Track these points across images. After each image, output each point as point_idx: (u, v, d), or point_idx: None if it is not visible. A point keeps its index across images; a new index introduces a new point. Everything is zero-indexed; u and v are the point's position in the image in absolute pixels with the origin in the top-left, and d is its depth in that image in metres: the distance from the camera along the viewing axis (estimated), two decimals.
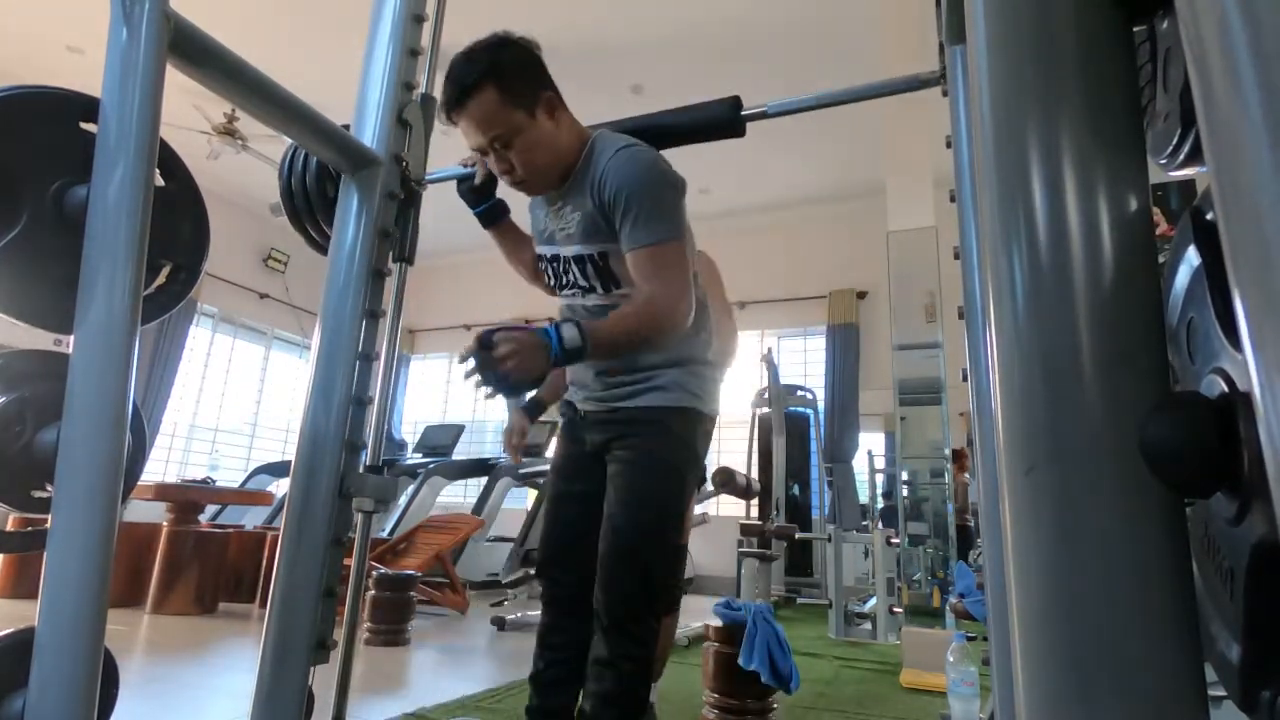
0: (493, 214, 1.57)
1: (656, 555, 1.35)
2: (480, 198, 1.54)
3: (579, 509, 1.44)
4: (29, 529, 0.81)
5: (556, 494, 1.55)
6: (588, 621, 1.37)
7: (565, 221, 1.38)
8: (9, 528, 1.49)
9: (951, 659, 2.01)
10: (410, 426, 8.63)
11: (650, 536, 1.34)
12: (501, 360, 1.16)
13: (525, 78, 1.29)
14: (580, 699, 1.38)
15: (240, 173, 6.76)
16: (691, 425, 1.42)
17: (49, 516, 0.74)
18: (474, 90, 1.25)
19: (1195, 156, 0.47)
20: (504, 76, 1.26)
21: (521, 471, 6.08)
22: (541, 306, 8.41)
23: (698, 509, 4.32)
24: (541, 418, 1.99)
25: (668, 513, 1.37)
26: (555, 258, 1.44)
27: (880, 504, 5.57)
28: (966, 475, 5.28)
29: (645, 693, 1.41)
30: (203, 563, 3.77)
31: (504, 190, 1.49)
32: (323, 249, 1.28)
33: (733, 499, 5.08)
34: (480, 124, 1.27)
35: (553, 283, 1.49)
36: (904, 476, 4.73)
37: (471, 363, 1.18)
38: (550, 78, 1.35)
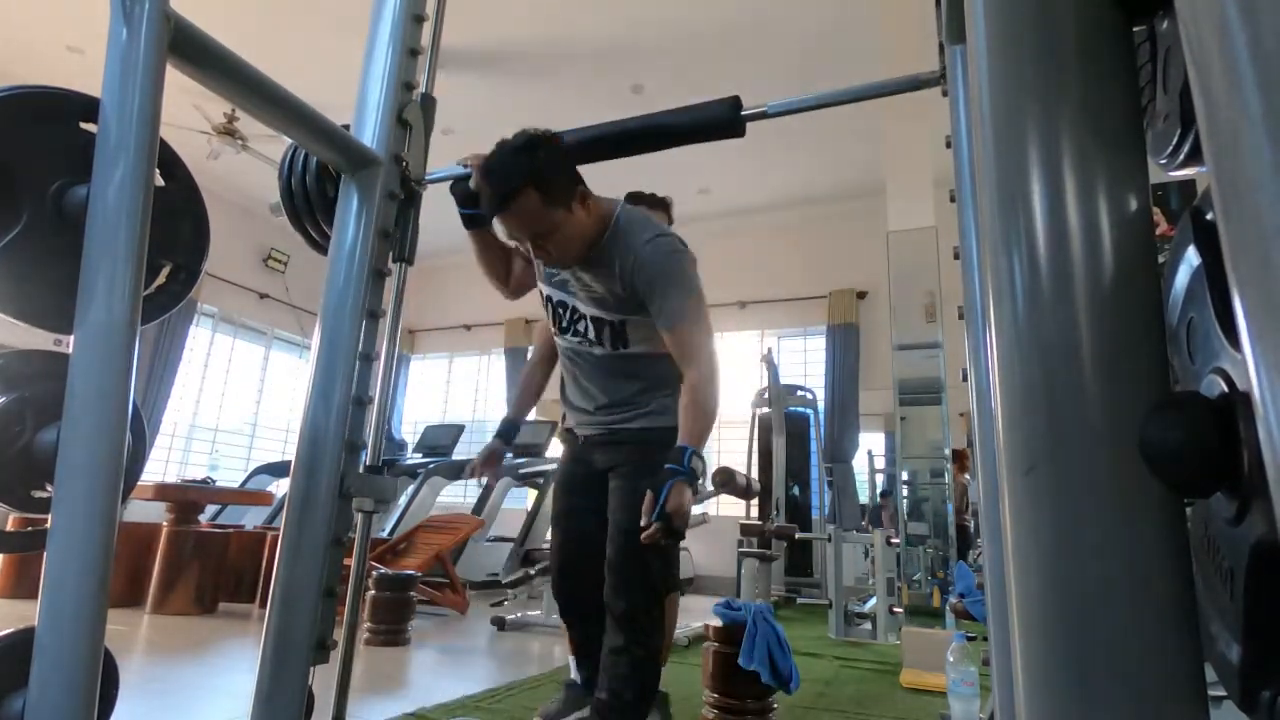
0: (479, 219, 1.62)
1: (655, 555, 1.52)
2: (471, 201, 1.57)
3: (593, 519, 1.62)
4: (29, 529, 0.81)
5: (568, 508, 1.71)
6: (601, 623, 1.57)
7: (586, 284, 1.56)
8: (9, 528, 1.49)
9: (951, 659, 2.01)
10: (410, 426, 8.63)
11: (635, 561, 1.52)
12: (677, 519, 1.37)
13: (561, 179, 1.42)
14: (596, 689, 1.54)
15: (240, 173, 6.76)
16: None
17: (49, 516, 0.74)
18: (516, 195, 1.38)
19: (1195, 156, 0.47)
20: (542, 179, 1.38)
21: (521, 472, 6.08)
22: (538, 307, 8.40)
23: (698, 509, 4.32)
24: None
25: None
26: (564, 305, 1.62)
27: (877, 502, 5.57)
28: (966, 475, 5.28)
29: (656, 678, 1.56)
30: (203, 563, 3.77)
31: None
32: (323, 249, 1.28)
33: (733, 499, 5.08)
34: (522, 224, 1.41)
35: (558, 324, 1.66)
36: (904, 476, 4.73)
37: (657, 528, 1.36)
38: (576, 170, 1.47)
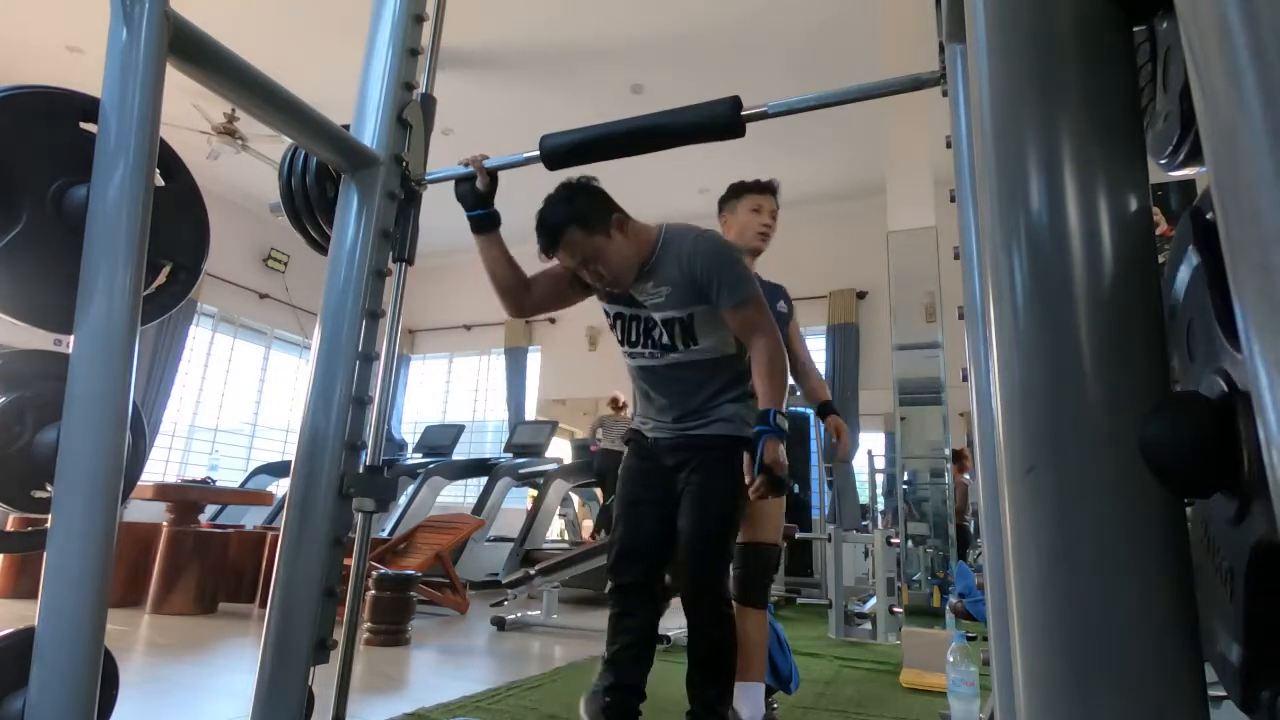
0: (487, 222, 1.68)
1: (716, 554, 1.72)
2: (478, 202, 1.62)
3: (655, 512, 1.77)
4: (29, 529, 0.81)
5: (633, 499, 1.85)
6: (653, 605, 1.74)
7: (651, 295, 1.73)
8: (9, 528, 1.49)
9: (951, 659, 2.01)
10: (410, 426, 8.63)
11: (711, 540, 1.70)
12: (777, 469, 1.54)
13: (597, 212, 1.66)
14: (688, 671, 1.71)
15: (240, 173, 6.76)
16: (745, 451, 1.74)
17: (49, 516, 0.74)
18: (562, 234, 1.63)
19: (1195, 156, 0.47)
20: (581, 216, 1.64)
21: (521, 471, 6.09)
22: None
23: None
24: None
25: (725, 524, 1.73)
26: (635, 318, 1.80)
27: (880, 504, 5.56)
28: (966, 475, 5.28)
29: (731, 659, 1.70)
30: (203, 563, 3.77)
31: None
32: (323, 249, 1.28)
33: None
34: (571, 254, 1.66)
35: (627, 339, 1.84)
36: (904, 476, 4.73)
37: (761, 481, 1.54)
38: (614, 201, 1.71)
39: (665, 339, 1.76)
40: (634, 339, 1.81)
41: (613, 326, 1.86)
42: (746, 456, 1.56)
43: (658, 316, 1.75)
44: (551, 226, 1.64)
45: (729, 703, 1.73)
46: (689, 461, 1.75)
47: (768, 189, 2.18)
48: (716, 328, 1.73)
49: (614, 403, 6.63)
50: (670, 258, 1.70)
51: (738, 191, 2.17)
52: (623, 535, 1.82)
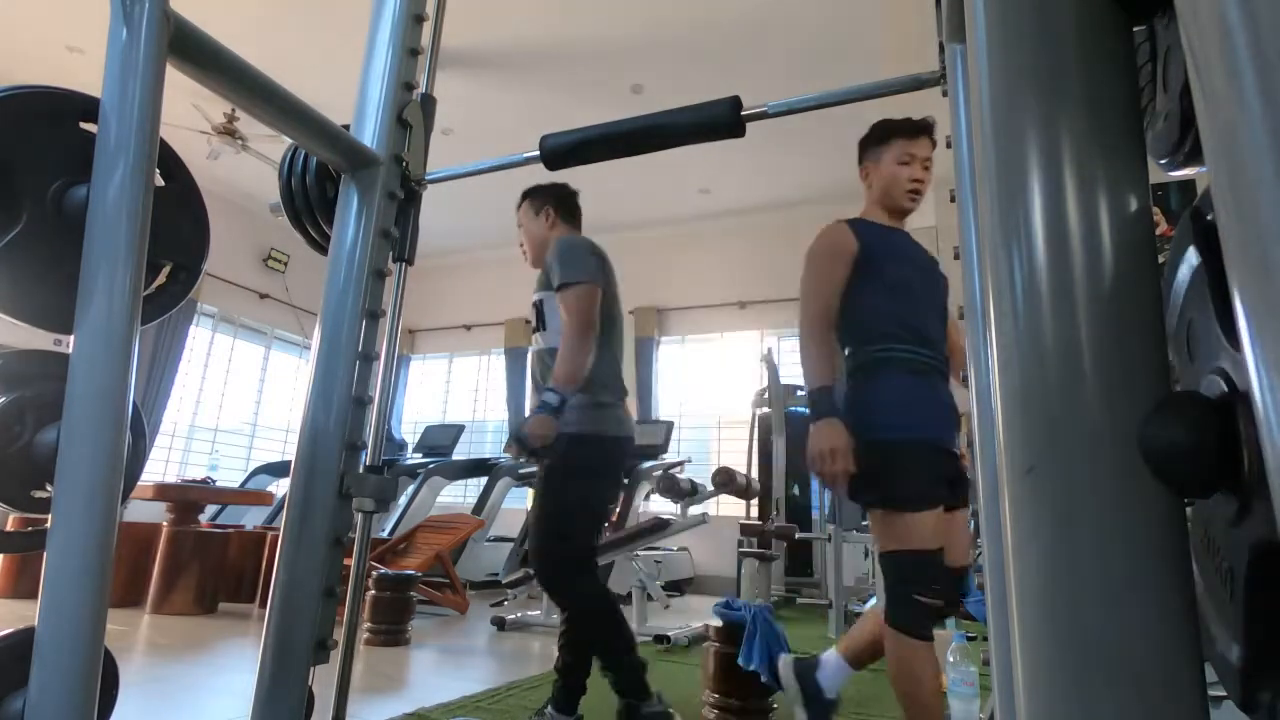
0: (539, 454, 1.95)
1: (553, 554, 1.93)
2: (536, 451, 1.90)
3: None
4: (29, 529, 0.81)
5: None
6: (564, 593, 1.97)
7: (537, 282, 2.07)
8: (9, 528, 1.49)
9: (951, 659, 2.01)
10: (410, 426, 8.62)
11: (545, 543, 1.93)
12: (530, 440, 1.81)
13: (543, 197, 2.14)
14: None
15: (240, 173, 6.76)
16: (589, 449, 1.91)
17: (49, 516, 0.74)
18: (520, 201, 2.18)
19: (1195, 156, 0.47)
20: (533, 193, 2.17)
21: (521, 471, 6.08)
22: None
23: (697, 509, 4.33)
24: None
25: (552, 524, 1.91)
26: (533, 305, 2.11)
27: None
28: None
29: (588, 626, 1.90)
30: (203, 563, 3.77)
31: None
32: (323, 249, 1.28)
33: (733, 499, 5.08)
34: (519, 222, 2.17)
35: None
36: None
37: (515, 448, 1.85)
38: (569, 202, 2.17)
39: (533, 323, 2.05)
40: (532, 326, 2.11)
41: None
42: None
43: (532, 299, 2.05)
44: (522, 194, 2.16)
45: (611, 665, 1.87)
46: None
47: (922, 130, 1.71)
48: (555, 319, 1.97)
49: None
50: (550, 251, 2.01)
51: (884, 135, 1.74)
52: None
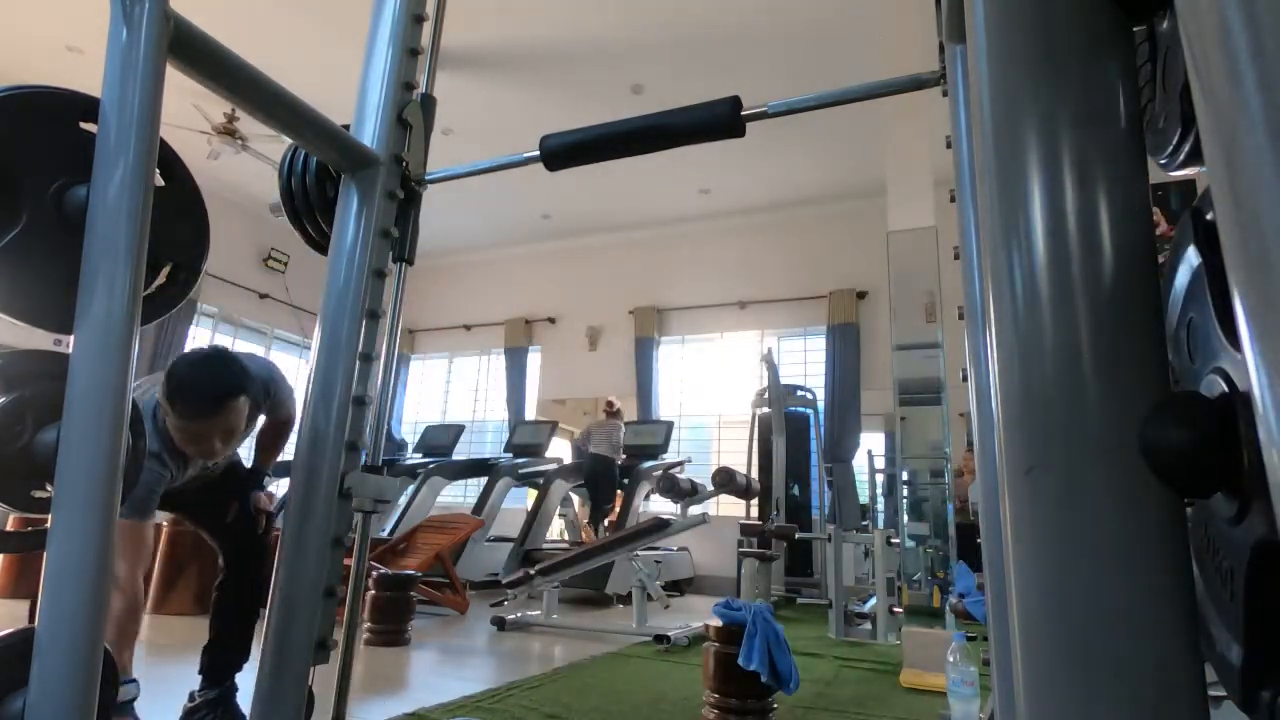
0: None
1: None
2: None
3: None
4: (29, 529, 0.81)
5: None
6: None
7: None
8: (9, 528, 1.49)
9: (951, 659, 2.01)
10: (410, 426, 8.63)
11: None
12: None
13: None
14: None
15: (240, 173, 6.76)
16: None
17: (49, 516, 0.74)
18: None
19: (1195, 156, 0.47)
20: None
21: (521, 471, 6.09)
22: (538, 307, 8.42)
23: (697, 509, 4.33)
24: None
25: None
26: None
27: (880, 504, 5.56)
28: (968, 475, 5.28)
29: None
30: (203, 563, 3.76)
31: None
32: (323, 249, 1.28)
33: (733, 499, 5.08)
34: None
35: None
36: (904, 476, 4.73)
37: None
38: None
39: None
40: None
41: None
42: None
43: None
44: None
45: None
46: None
47: None
48: None
49: (609, 406, 6.64)
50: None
51: None
52: None
